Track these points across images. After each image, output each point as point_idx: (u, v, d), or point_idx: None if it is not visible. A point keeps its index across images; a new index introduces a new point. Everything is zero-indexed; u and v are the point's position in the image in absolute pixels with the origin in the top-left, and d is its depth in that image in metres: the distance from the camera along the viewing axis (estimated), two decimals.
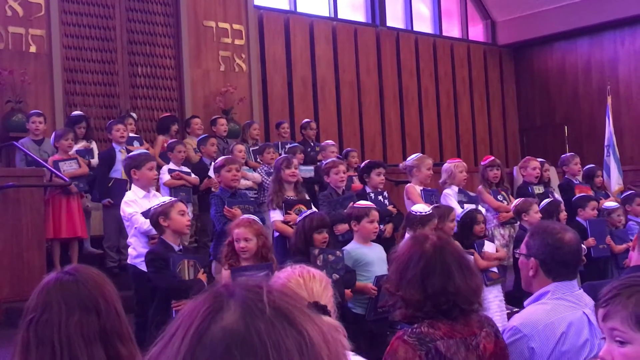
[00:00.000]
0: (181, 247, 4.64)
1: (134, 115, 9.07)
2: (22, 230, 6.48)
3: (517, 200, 6.60)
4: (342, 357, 0.90)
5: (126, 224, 5.30)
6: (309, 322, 0.87)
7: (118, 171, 7.32)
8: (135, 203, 5.21)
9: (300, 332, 0.85)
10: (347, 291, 4.83)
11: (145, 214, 5.01)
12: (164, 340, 0.88)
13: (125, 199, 5.31)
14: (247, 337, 0.83)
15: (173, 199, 4.78)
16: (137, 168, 5.36)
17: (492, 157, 7.32)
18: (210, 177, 7.34)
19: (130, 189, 5.55)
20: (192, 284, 4.33)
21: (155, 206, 4.63)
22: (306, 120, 10.27)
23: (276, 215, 5.83)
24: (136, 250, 5.06)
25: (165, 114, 9.40)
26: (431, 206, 5.81)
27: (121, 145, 7.49)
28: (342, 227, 5.75)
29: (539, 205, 6.48)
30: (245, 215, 4.92)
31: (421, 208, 5.51)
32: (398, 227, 6.08)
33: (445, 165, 6.93)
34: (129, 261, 5.21)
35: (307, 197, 6.18)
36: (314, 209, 5.82)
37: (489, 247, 5.90)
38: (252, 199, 6.86)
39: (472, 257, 5.58)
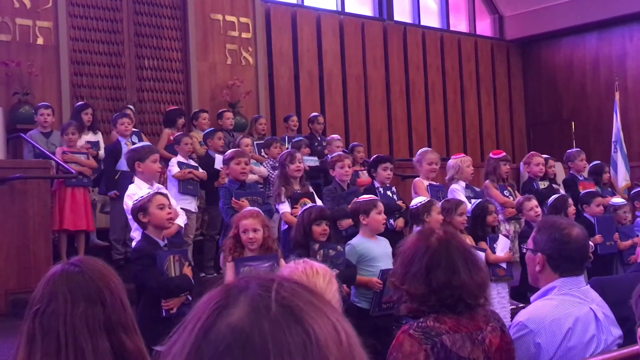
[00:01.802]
0: (166, 241, 4.47)
1: (132, 107, 9.05)
2: (28, 221, 6.50)
3: (520, 197, 6.61)
4: (356, 356, 0.87)
5: (129, 217, 5.24)
6: (319, 319, 0.85)
7: (124, 164, 7.33)
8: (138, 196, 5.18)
9: (307, 330, 0.83)
10: (344, 287, 4.82)
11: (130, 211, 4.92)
12: (177, 332, 0.87)
13: (128, 192, 5.20)
14: (250, 336, 0.81)
15: (152, 192, 4.55)
16: (141, 161, 5.29)
17: (504, 152, 7.30)
18: (220, 170, 7.33)
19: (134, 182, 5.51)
20: (180, 281, 4.25)
21: (134, 201, 4.47)
22: (314, 114, 10.24)
23: (285, 207, 5.84)
24: None
25: (172, 107, 9.40)
26: (440, 201, 5.84)
27: (126, 139, 7.50)
28: (346, 222, 5.74)
29: (542, 202, 6.48)
30: (249, 207, 4.93)
31: (418, 200, 5.60)
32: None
33: (451, 161, 6.90)
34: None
35: (311, 190, 6.18)
36: (318, 201, 5.83)
37: (502, 242, 5.88)
38: (260, 190, 6.88)
39: (485, 250, 5.59)
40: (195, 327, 0.84)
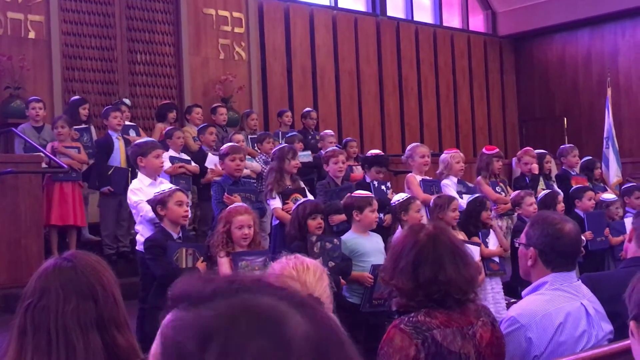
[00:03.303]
0: (180, 235, 4.64)
1: (127, 101, 9.01)
2: (20, 216, 6.48)
3: (514, 192, 6.62)
4: None
5: (133, 211, 5.33)
6: (294, 320, 0.83)
7: (116, 159, 7.30)
8: (141, 191, 5.21)
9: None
10: (342, 282, 4.85)
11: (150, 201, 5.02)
12: None
13: (131, 186, 5.32)
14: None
15: (173, 187, 4.77)
16: (144, 156, 5.34)
17: (497, 148, 7.30)
18: (208, 169, 7.33)
19: (133, 177, 5.55)
20: (188, 272, 4.33)
21: (156, 193, 4.65)
22: (307, 109, 10.25)
23: (276, 203, 5.84)
24: (143, 237, 5.05)
25: (165, 102, 9.38)
26: (433, 196, 5.86)
27: (117, 133, 7.46)
28: (338, 218, 5.74)
29: (536, 197, 6.49)
30: (239, 203, 4.96)
31: (397, 197, 5.65)
32: None
33: (442, 156, 6.92)
34: (137, 247, 5.23)
35: (302, 185, 6.19)
36: (309, 196, 5.83)
37: (493, 237, 5.91)
38: (254, 187, 6.85)
39: (479, 245, 5.61)
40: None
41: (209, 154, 7.51)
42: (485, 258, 5.73)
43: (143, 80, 9.91)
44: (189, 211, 4.75)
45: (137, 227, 5.24)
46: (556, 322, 2.54)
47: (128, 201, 5.34)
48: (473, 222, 5.86)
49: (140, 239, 5.14)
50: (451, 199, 5.74)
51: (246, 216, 4.48)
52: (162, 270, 4.38)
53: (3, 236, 6.37)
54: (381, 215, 5.99)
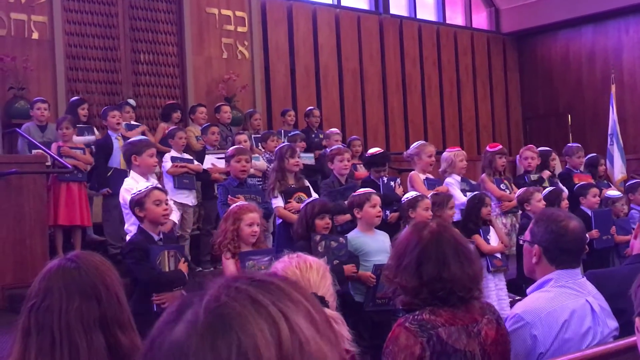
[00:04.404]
0: (161, 236, 4.47)
1: (132, 102, 9.02)
2: (24, 216, 6.49)
3: (521, 189, 6.59)
4: (304, 354, 0.82)
5: (125, 211, 5.17)
6: (254, 323, 0.82)
7: (116, 160, 7.27)
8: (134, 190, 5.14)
9: (231, 342, 0.80)
10: (350, 266, 4.79)
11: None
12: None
13: (124, 186, 5.17)
14: (185, 354, 0.81)
15: (150, 186, 4.54)
16: (138, 154, 5.25)
17: (500, 145, 7.28)
18: (207, 168, 7.33)
19: (129, 177, 5.46)
20: (172, 276, 4.24)
21: (133, 194, 4.47)
22: (310, 107, 10.25)
23: (278, 202, 5.84)
24: None
25: (170, 102, 9.39)
26: (430, 193, 5.85)
27: (117, 133, 7.46)
28: (342, 218, 5.73)
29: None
30: (244, 202, 4.95)
31: (408, 194, 5.63)
32: None
33: (445, 154, 6.90)
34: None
35: (307, 184, 6.18)
36: (314, 195, 5.82)
37: (494, 233, 5.91)
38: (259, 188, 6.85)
39: (476, 243, 5.60)
40: (149, 337, 0.87)
41: (205, 154, 7.52)
42: (488, 255, 5.74)
43: (146, 80, 9.92)
44: (169, 208, 4.61)
45: (129, 227, 5.02)
46: (561, 319, 2.54)
47: (121, 200, 5.14)
48: (473, 219, 5.85)
49: None
50: (448, 197, 5.75)
51: (255, 214, 4.48)
52: (146, 275, 4.21)
53: (8, 237, 6.38)
54: (387, 211, 5.97)
